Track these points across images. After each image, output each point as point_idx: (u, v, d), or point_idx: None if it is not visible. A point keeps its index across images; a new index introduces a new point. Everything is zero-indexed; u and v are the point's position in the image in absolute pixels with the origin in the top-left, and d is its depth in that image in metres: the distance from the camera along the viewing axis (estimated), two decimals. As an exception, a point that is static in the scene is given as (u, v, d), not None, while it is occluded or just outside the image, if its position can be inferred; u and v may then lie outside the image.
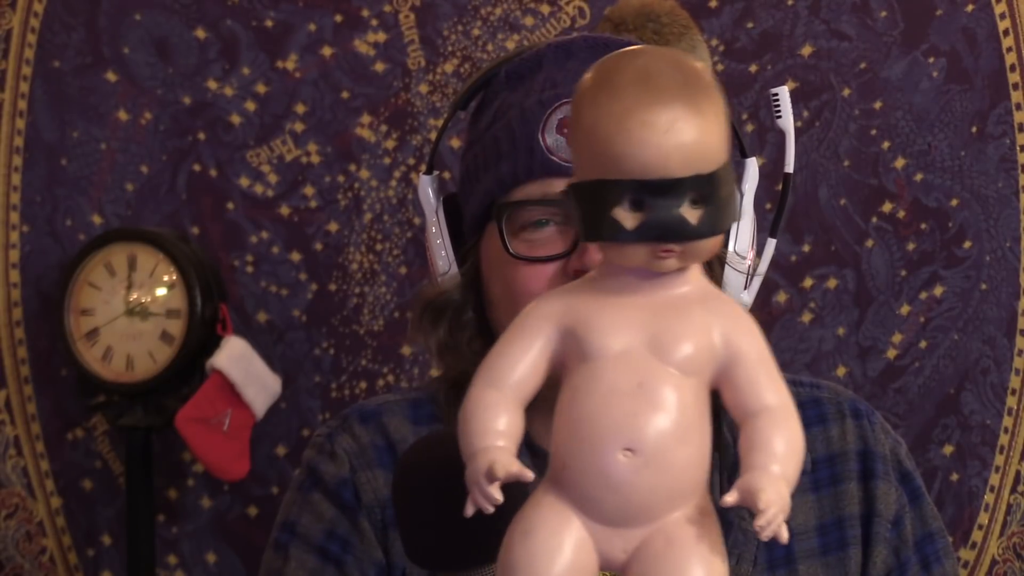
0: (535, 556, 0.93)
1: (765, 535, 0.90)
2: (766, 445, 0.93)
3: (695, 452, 0.94)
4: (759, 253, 1.41)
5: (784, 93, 1.42)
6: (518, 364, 0.97)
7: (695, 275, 0.98)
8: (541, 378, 0.97)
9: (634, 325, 0.95)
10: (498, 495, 0.92)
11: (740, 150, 1.41)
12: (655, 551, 0.93)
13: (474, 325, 1.37)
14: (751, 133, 2.58)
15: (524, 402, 0.97)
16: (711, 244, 0.95)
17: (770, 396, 0.96)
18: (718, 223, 0.94)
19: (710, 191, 0.93)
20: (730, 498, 0.90)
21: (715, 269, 1.36)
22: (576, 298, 0.98)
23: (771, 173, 1.43)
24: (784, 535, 0.90)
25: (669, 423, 0.93)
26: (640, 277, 0.96)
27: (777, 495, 0.91)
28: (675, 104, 0.92)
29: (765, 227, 1.42)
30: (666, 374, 0.94)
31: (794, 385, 1.48)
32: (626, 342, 0.95)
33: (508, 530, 0.95)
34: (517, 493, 0.96)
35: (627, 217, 0.93)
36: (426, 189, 1.40)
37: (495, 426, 0.95)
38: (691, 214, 0.92)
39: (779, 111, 1.42)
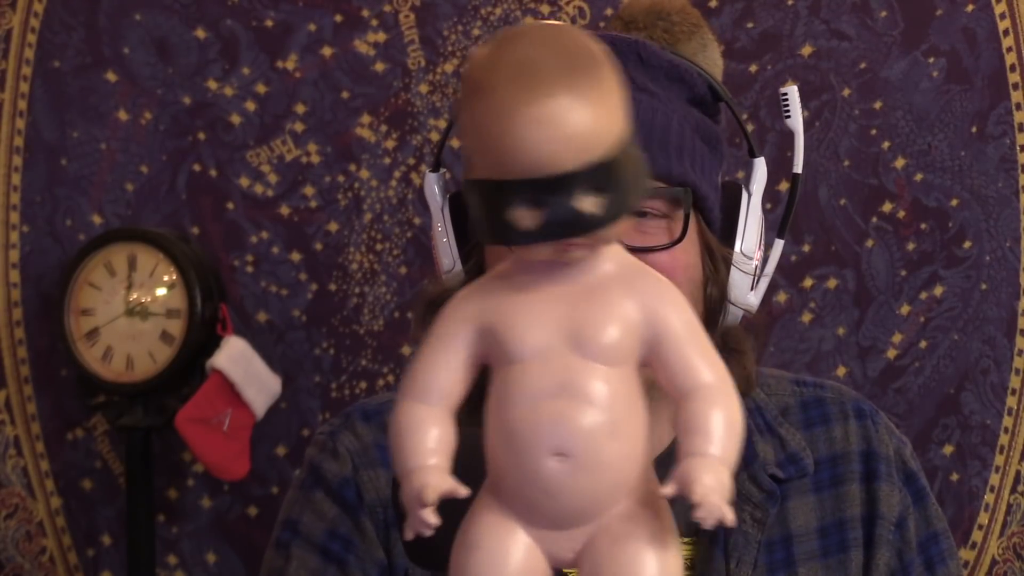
0: (483, 569, 0.92)
1: (707, 525, 0.87)
2: (703, 427, 0.89)
3: (629, 445, 0.91)
4: (766, 253, 1.40)
5: (793, 93, 1.41)
6: (441, 373, 0.93)
7: (615, 250, 0.94)
8: (467, 383, 0.94)
9: (552, 320, 0.91)
10: (433, 519, 0.90)
11: (748, 150, 1.41)
12: (601, 551, 0.91)
13: None
14: (751, 133, 2.58)
15: (453, 410, 0.94)
16: (619, 227, 0.90)
17: (703, 373, 0.91)
18: (622, 207, 0.89)
19: (608, 177, 0.88)
20: (668, 489, 0.88)
21: (721, 270, 1.35)
22: (492, 295, 0.94)
23: (770, 173, 1.43)
24: (729, 518, 0.87)
25: (597, 421, 0.90)
26: (555, 265, 0.92)
27: (716, 482, 0.87)
28: (557, 94, 0.86)
29: (768, 226, 1.42)
30: (589, 369, 0.90)
31: (797, 385, 1.48)
32: (545, 340, 0.91)
33: (455, 543, 0.93)
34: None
35: (524, 217, 0.88)
36: (432, 186, 1.40)
37: (425, 443, 0.93)
38: (590, 204, 0.88)
39: (788, 111, 1.41)
